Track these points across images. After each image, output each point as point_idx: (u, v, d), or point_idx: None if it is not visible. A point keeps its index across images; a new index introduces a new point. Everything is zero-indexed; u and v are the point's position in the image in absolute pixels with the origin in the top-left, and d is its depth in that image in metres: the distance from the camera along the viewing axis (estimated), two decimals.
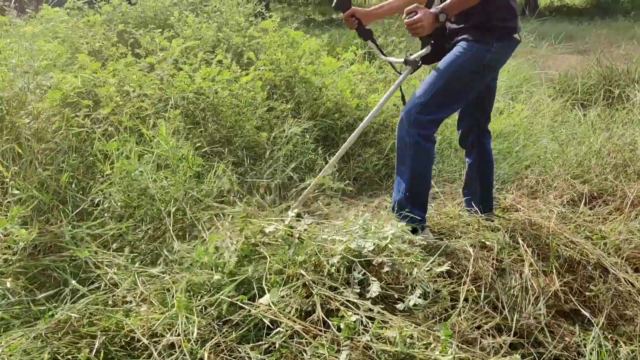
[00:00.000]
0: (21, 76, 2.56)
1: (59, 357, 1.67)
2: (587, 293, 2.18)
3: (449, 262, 2.01)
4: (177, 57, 3.90)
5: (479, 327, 1.90)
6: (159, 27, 4.82)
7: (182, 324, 1.67)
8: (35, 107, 2.29)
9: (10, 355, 1.66)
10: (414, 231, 2.25)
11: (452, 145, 3.68)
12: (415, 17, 2.13)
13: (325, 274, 1.77)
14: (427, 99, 2.31)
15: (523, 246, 2.33)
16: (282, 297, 1.71)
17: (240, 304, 1.72)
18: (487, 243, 2.31)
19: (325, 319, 1.65)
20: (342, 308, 1.67)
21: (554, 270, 2.24)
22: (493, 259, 2.23)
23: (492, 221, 2.53)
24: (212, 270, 1.77)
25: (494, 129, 3.80)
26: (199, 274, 1.83)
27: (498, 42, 2.31)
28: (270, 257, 1.88)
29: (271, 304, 1.66)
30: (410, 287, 1.85)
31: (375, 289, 1.62)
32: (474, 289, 2.01)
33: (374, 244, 1.74)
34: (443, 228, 2.52)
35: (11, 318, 1.86)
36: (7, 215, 2.03)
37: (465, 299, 1.97)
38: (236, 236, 2.00)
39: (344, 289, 1.75)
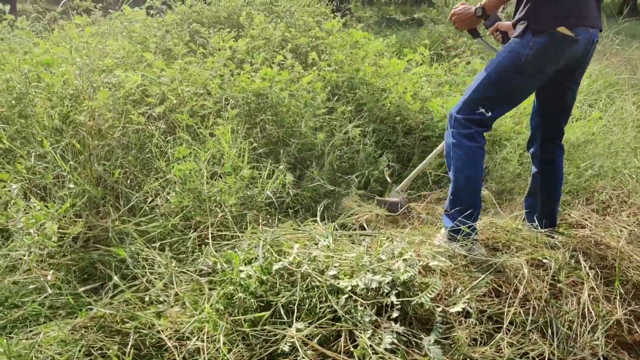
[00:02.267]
0: (86, 75, 2.65)
1: (93, 351, 1.70)
2: None
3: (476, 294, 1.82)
4: (242, 56, 3.95)
5: (524, 355, 1.75)
6: (231, 27, 4.91)
7: (210, 329, 1.65)
8: (89, 104, 2.35)
9: (49, 346, 1.71)
10: (453, 238, 2.15)
11: (517, 148, 3.46)
12: (455, 10, 2.32)
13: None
14: (468, 97, 2.25)
15: (585, 267, 2.14)
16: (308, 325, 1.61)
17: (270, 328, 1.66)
18: (544, 261, 2.14)
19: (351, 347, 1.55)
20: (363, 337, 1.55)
21: (619, 296, 2.04)
22: (549, 279, 2.05)
23: (553, 238, 2.34)
24: (240, 285, 1.72)
25: (567, 137, 3.55)
26: (232, 281, 1.81)
27: (536, 37, 2.11)
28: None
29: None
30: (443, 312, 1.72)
31: (387, 340, 1.44)
32: (521, 312, 1.85)
33: (380, 284, 1.55)
34: (498, 242, 2.37)
35: (57, 309, 1.93)
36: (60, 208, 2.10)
37: (511, 322, 1.83)
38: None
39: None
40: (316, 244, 1.96)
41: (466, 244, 2.13)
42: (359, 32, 3.78)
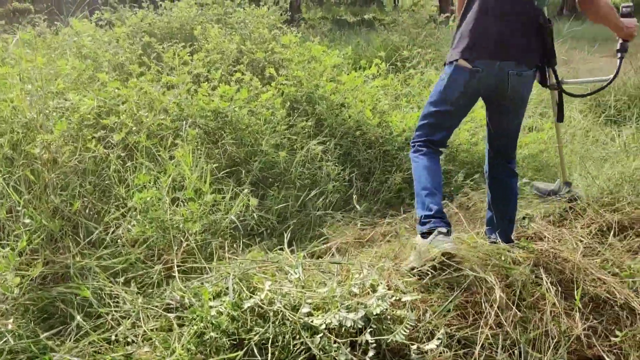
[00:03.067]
0: (38, 102, 2.56)
1: None
2: (613, 338, 2.05)
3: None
4: (198, 72, 3.89)
5: None
6: (184, 41, 4.83)
7: None
8: (44, 138, 2.27)
9: None
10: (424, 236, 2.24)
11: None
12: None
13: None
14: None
15: (546, 282, 2.22)
16: None
17: None
18: (509, 279, 2.20)
19: None
20: None
21: (578, 312, 2.12)
22: (515, 298, 2.11)
23: (512, 253, 2.41)
24: (211, 323, 1.70)
25: (520, 148, 3.67)
26: (202, 319, 1.78)
27: (447, 67, 2.35)
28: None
29: None
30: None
31: None
32: (489, 334, 1.90)
33: (354, 321, 1.56)
34: (462, 258, 2.40)
35: (17, 354, 1.85)
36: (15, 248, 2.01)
37: (482, 346, 1.87)
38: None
39: None
40: (287, 273, 1.95)
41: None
42: (317, 47, 3.79)
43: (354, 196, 3.14)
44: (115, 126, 2.72)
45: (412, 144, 2.50)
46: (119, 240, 2.39)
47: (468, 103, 2.41)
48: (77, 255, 2.22)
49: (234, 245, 2.63)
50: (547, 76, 2.42)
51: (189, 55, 4.01)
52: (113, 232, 2.41)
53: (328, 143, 3.49)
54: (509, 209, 2.55)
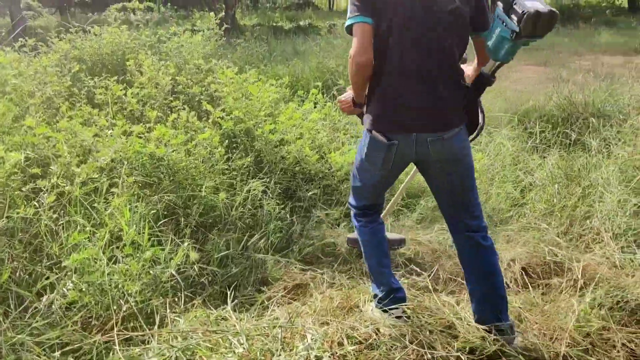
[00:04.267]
0: None
1: None
2: None
3: None
4: (132, 109, 3.80)
5: None
6: (116, 68, 4.69)
7: None
8: None
9: None
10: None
11: None
12: (339, 98, 2.32)
13: None
14: None
15: None
16: None
17: None
18: None
19: None
20: None
21: None
22: None
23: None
24: None
25: None
26: None
27: (366, 134, 2.18)
28: None
29: None
30: None
31: None
32: None
33: None
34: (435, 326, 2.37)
35: None
36: None
37: None
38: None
39: None
40: (231, 343, 1.95)
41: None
42: (254, 87, 3.77)
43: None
44: (45, 187, 2.60)
45: (350, 208, 2.48)
46: (53, 306, 2.31)
47: (396, 167, 2.23)
48: (8, 329, 2.12)
49: (176, 300, 2.60)
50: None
51: (122, 90, 3.92)
52: (47, 298, 2.32)
53: (268, 180, 3.50)
54: (484, 287, 2.21)
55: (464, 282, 2.37)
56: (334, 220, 3.47)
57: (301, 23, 23.78)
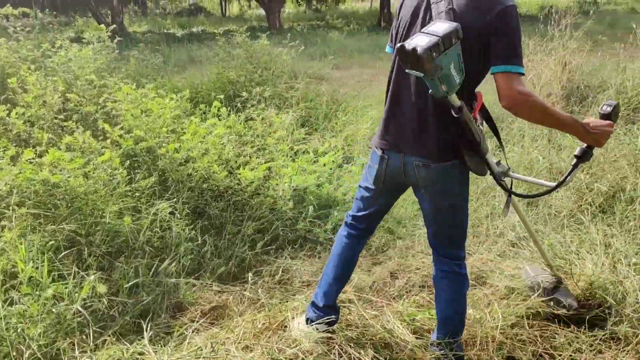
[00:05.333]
0: None
1: None
2: None
3: None
4: (18, 131, 3.51)
5: None
6: None
7: None
8: None
9: None
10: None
11: None
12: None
13: None
14: None
15: None
16: None
17: None
18: None
19: None
20: None
21: None
22: None
23: None
24: None
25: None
26: None
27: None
28: None
29: None
30: None
31: None
32: None
33: None
34: None
35: None
36: None
37: None
38: None
39: None
40: None
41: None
42: (153, 103, 3.62)
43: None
44: None
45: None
46: None
47: (389, 187, 2.28)
48: None
49: (84, 337, 2.42)
50: (488, 167, 2.13)
51: (4, 111, 3.60)
52: None
53: (175, 200, 3.37)
54: (437, 309, 2.32)
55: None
56: (247, 236, 3.41)
57: (194, 30, 23.28)
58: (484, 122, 2.18)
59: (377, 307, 2.76)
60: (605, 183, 3.37)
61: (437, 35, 1.69)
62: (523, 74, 1.86)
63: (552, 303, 2.66)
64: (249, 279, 2.98)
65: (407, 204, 3.78)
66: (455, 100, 1.86)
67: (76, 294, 2.48)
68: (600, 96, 4.92)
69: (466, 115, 1.88)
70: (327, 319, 2.35)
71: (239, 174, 3.51)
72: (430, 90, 1.84)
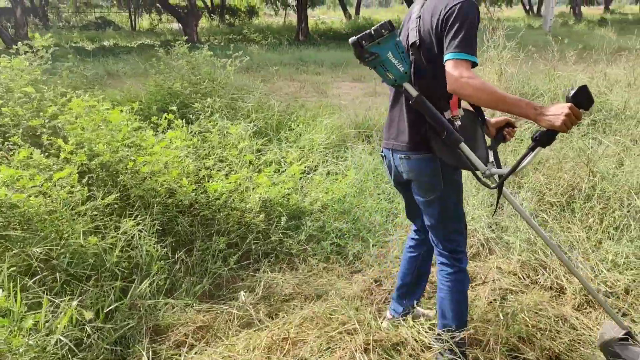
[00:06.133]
0: None
1: None
2: None
3: None
4: None
5: None
6: None
7: None
8: None
9: None
10: None
11: None
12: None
13: None
14: None
15: None
16: None
17: None
18: None
19: None
20: None
21: None
22: None
23: None
24: None
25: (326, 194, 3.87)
26: None
27: None
28: None
29: None
30: None
31: None
32: None
33: None
34: None
35: None
36: None
37: None
38: None
39: None
40: None
41: None
42: (115, 115, 3.39)
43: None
44: None
45: None
46: None
47: (397, 183, 2.41)
48: None
49: None
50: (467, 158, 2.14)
51: None
52: None
53: (141, 217, 3.17)
54: (438, 303, 2.39)
55: None
56: (219, 252, 3.27)
57: (105, 43, 22.30)
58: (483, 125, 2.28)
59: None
60: (562, 183, 3.58)
61: (369, 30, 1.98)
62: (475, 63, 1.95)
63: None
64: (242, 296, 2.86)
65: (377, 212, 3.80)
66: (411, 90, 2.07)
67: (52, 323, 2.26)
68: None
69: (424, 105, 2.05)
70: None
71: (206, 187, 3.37)
72: (382, 80, 2.11)
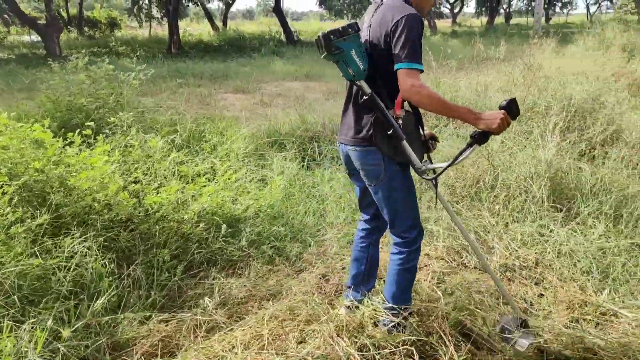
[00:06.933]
0: None
1: None
2: None
3: None
4: None
5: None
6: None
7: None
8: None
9: None
10: None
11: None
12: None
13: None
14: None
15: None
16: None
17: None
18: None
19: None
20: None
21: None
22: None
23: None
24: None
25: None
26: None
27: None
28: None
29: None
30: None
31: None
32: None
33: None
34: None
35: None
36: None
37: None
38: None
39: None
40: None
41: None
42: (46, 132, 3.21)
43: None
44: None
45: None
46: None
47: (352, 174, 2.71)
48: None
49: None
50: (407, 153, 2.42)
51: None
52: None
53: (82, 235, 3.07)
54: (386, 279, 2.68)
55: None
56: (165, 263, 3.26)
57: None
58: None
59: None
60: (469, 177, 4.07)
61: (337, 27, 2.22)
62: (422, 70, 2.25)
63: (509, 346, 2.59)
64: (207, 302, 2.90)
65: (308, 214, 4.01)
66: (365, 87, 2.31)
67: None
68: None
69: (375, 102, 2.30)
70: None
71: (143, 201, 3.35)
72: (342, 74, 2.32)
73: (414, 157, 2.41)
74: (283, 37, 26.89)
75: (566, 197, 3.89)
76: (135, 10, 33.42)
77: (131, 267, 3.12)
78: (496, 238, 3.56)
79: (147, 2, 32.92)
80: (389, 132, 2.32)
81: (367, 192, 2.69)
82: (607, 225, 3.54)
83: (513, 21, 51.80)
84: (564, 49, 11.31)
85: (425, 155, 2.58)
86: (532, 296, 3.11)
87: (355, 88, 2.46)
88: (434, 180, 2.51)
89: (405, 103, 2.43)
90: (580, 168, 4.16)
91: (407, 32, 2.22)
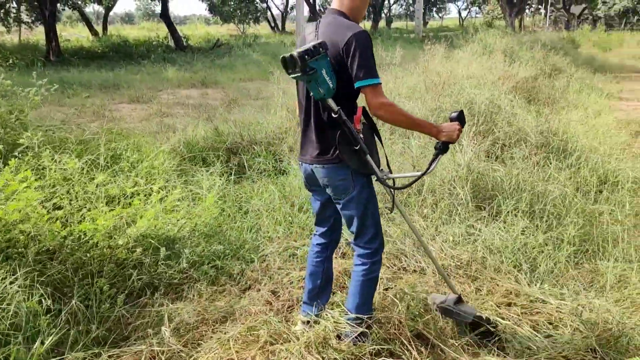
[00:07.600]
0: None
1: None
2: None
3: None
4: None
5: None
6: None
7: None
8: None
9: None
10: None
11: None
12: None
13: None
14: None
15: None
16: None
17: None
18: None
19: None
20: None
21: None
22: None
23: None
24: None
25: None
26: None
27: None
28: None
29: None
30: None
31: None
32: None
33: None
34: None
35: None
36: None
37: None
38: None
39: None
40: None
41: None
42: None
43: None
44: None
45: None
46: None
47: (313, 190, 2.76)
48: None
49: None
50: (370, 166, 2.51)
51: None
52: None
53: (7, 271, 2.81)
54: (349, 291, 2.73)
55: None
56: (101, 293, 3.07)
57: None
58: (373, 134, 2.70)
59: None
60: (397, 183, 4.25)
61: (308, 47, 2.22)
62: (380, 83, 2.36)
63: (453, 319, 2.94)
64: (163, 331, 2.76)
65: (245, 230, 3.96)
66: (333, 105, 2.35)
67: None
68: None
69: (343, 118, 2.35)
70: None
71: (71, 228, 3.13)
72: (311, 94, 2.36)
73: (376, 168, 2.52)
74: (171, 43, 26.07)
75: (487, 197, 4.20)
76: (1, 14, 30.58)
77: (70, 302, 2.90)
78: (430, 240, 3.76)
79: (15, 5, 30.23)
80: (355, 148, 2.39)
81: (327, 206, 2.74)
82: (525, 222, 3.87)
83: (393, 25, 54.51)
84: (452, 53, 12.10)
85: (385, 165, 2.68)
86: (470, 292, 3.32)
87: (314, 105, 2.48)
88: (392, 190, 2.62)
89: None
90: (494, 169, 4.51)
91: (360, 49, 2.29)
